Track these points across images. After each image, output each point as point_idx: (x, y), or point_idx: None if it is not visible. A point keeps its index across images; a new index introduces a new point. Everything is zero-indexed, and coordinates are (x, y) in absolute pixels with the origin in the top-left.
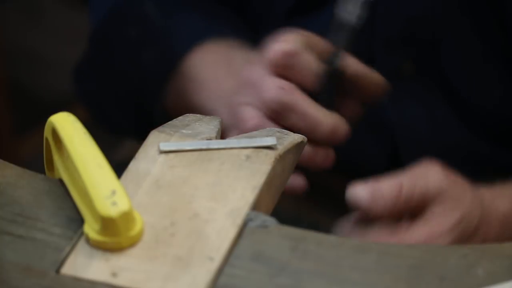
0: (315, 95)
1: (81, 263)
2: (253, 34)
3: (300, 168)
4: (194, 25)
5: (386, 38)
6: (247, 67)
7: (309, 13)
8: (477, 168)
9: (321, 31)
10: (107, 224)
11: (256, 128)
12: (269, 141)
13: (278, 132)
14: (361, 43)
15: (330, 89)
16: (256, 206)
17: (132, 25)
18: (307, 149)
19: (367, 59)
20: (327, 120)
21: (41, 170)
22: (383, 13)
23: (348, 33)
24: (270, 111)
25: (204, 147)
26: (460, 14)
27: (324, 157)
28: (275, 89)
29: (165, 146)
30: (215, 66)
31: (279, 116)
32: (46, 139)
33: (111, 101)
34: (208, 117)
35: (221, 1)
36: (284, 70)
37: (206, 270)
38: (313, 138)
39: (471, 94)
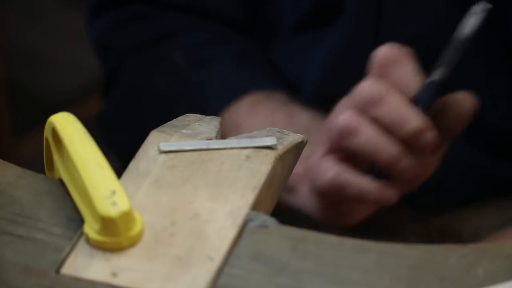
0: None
1: (81, 263)
2: (263, 49)
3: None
4: (229, 77)
5: None
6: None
7: (319, 28)
8: (479, 182)
9: (331, 47)
10: (107, 224)
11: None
12: (269, 141)
13: (278, 132)
14: (366, 60)
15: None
16: (256, 206)
17: (161, 76)
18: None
19: None
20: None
21: (41, 170)
22: (386, 31)
23: (461, 47)
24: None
25: (204, 147)
26: None
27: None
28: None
29: (165, 146)
30: (256, 117)
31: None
32: (46, 139)
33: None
34: (208, 117)
35: (230, 22)
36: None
37: (206, 270)
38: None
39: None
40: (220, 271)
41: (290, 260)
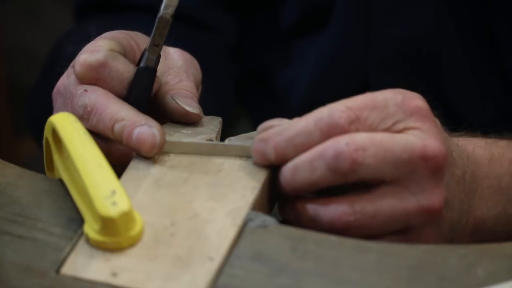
0: (128, 98)
1: (81, 263)
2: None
3: None
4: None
5: (381, 59)
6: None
7: (310, 33)
8: None
9: (322, 52)
10: (107, 224)
11: None
12: None
13: None
14: (356, 64)
15: (143, 89)
16: (256, 206)
17: (71, 45)
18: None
19: (362, 79)
20: (129, 117)
21: (41, 170)
22: (377, 36)
23: (161, 27)
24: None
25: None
26: (453, 33)
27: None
28: (79, 96)
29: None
30: None
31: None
32: (46, 139)
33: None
34: (208, 117)
35: (220, 24)
36: (93, 81)
37: (206, 270)
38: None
39: (466, 112)
40: (220, 271)
41: (290, 260)
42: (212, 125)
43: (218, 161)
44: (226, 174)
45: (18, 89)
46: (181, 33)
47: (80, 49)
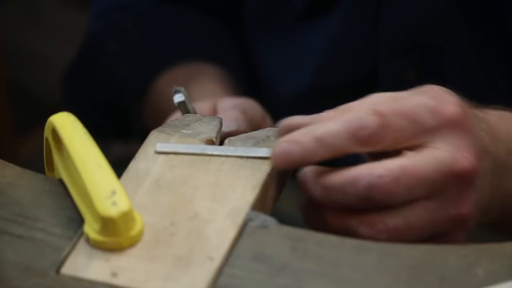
0: None
1: (81, 263)
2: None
3: None
4: (170, 46)
5: (389, 45)
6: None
7: (316, 18)
8: None
9: (329, 34)
10: (107, 224)
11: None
12: (264, 152)
13: None
14: (364, 51)
15: None
16: (256, 206)
17: (112, 42)
18: None
19: (371, 66)
20: None
21: (41, 170)
22: (386, 21)
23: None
24: None
25: (198, 151)
26: (462, 21)
27: None
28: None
29: (161, 147)
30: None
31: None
32: (46, 139)
33: (94, 110)
34: (208, 117)
35: (227, 12)
36: None
37: (206, 270)
38: None
39: (473, 101)
40: (220, 271)
41: (290, 260)
42: (212, 125)
43: (218, 161)
44: (226, 174)
45: (18, 89)
46: (185, 17)
47: (121, 48)
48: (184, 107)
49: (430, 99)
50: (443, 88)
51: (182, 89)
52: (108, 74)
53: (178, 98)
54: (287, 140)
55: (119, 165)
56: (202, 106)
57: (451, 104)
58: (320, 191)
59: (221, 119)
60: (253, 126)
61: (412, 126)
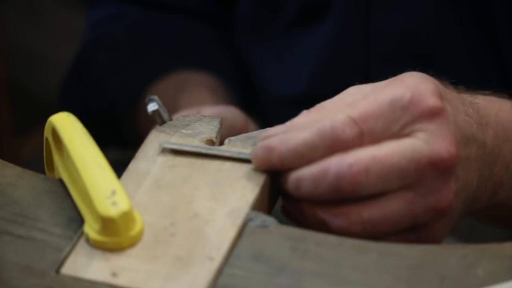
0: None
1: (81, 263)
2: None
3: None
4: (161, 55)
5: (381, 53)
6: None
7: (307, 26)
8: None
9: (321, 41)
10: (107, 224)
11: None
12: None
13: None
14: (356, 58)
15: None
16: (256, 206)
17: (104, 52)
18: None
19: (362, 74)
20: None
21: (41, 170)
22: (376, 28)
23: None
24: None
25: (203, 151)
26: (453, 28)
27: None
28: None
29: (167, 144)
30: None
31: None
32: (46, 139)
33: (88, 119)
34: (208, 117)
35: (217, 18)
36: None
37: (206, 270)
38: None
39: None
40: (220, 271)
41: (290, 260)
42: (212, 125)
43: (218, 161)
44: (226, 174)
45: (18, 89)
46: (175, 22)
47: (113, 59)
48: (158, 116)
49: (407, 91)
50: (422, 75)
51: (156, 97)
52: (101, 84)
53: (151, 107)
54: (263, 145)
55: (118, 166)
56: (185, 114)
57: (429, 94)
58: (293, 183)
59: (221, 119)
60: (234, 133)
61: (389, 125)
